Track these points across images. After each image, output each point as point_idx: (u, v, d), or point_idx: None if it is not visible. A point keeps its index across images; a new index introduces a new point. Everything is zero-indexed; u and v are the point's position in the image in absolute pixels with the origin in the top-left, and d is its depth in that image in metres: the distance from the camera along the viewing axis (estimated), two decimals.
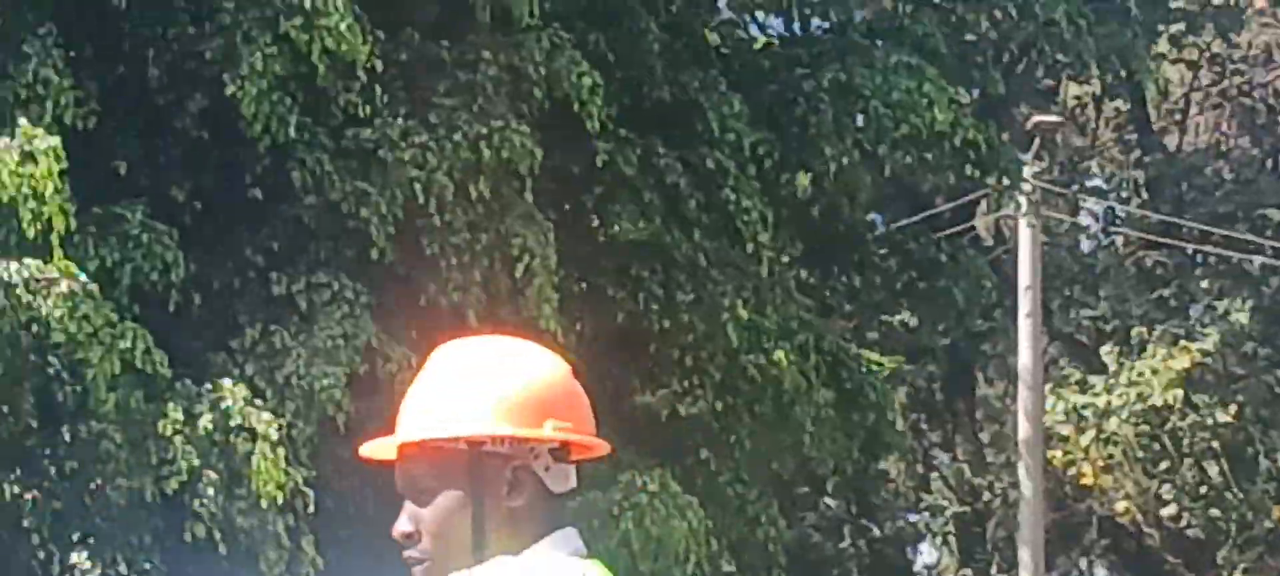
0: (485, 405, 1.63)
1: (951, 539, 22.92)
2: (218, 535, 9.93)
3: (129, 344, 9.63)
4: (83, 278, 9.73)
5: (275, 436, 9.78)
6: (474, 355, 1.72)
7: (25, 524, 9.69)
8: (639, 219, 11.86)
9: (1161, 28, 19.70)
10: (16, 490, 9.80)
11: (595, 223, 12.11)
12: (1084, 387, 19.65)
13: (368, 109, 10.69)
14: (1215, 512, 20.07)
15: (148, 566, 10.02)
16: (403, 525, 1.73)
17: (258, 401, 9.98)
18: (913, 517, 23.54)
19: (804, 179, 13.64)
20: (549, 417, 1.63)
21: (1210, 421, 19.24)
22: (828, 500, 19.79)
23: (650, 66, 11.93)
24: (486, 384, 1.64)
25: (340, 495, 10.95)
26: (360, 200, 10.64)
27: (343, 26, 10.16)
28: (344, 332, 10.42)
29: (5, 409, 9.86)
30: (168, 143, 11.09)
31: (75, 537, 9.90)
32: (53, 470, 9.93)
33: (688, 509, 11.04)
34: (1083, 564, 23.79)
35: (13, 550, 9.83)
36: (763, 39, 15.20)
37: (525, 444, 1.62)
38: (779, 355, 12.33)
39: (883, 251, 15.16)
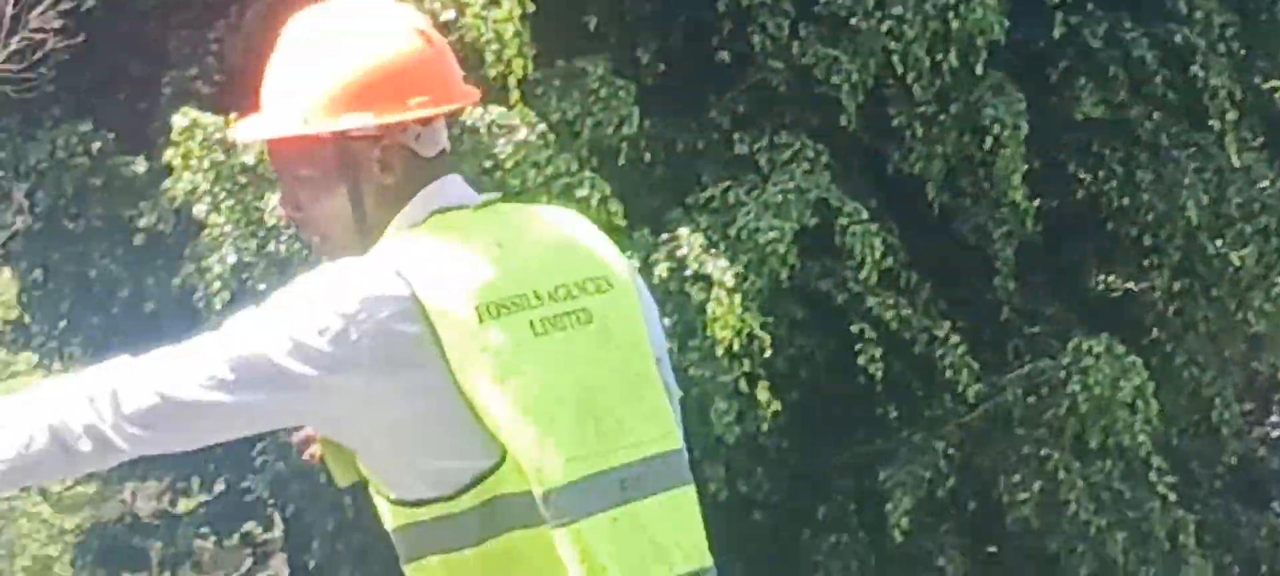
0: (346, 93, 1.57)
1: None
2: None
3: (586, 193, 9.92)
4: (542, 126, 10.13)
5: (731, 282, 10.11)
6: (329, 29, 1.62)
7: None
8: (1102, 95, 11.76)
9: None
10: None
11: (1057, 99, 12.07)
12: None
13: None
14: None
15: None
16: (282, 207, 1.71)
17: (711, 250, 10.31)
18: None
19: None
20: (410, 94, 1.58)
21: None
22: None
23: None
24: (345, 67, 1.58)
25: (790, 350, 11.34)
26: (831, 67, 11.04)
27: None
28: (797, 187, 10.75)
29: None
30: (636, 3, 11.63)
31: None
32: None
33: (1132, 369, 11.02)
34: None
35: None
36: None
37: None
38: (1238, 239, 12.04)
39: None
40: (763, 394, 10.59)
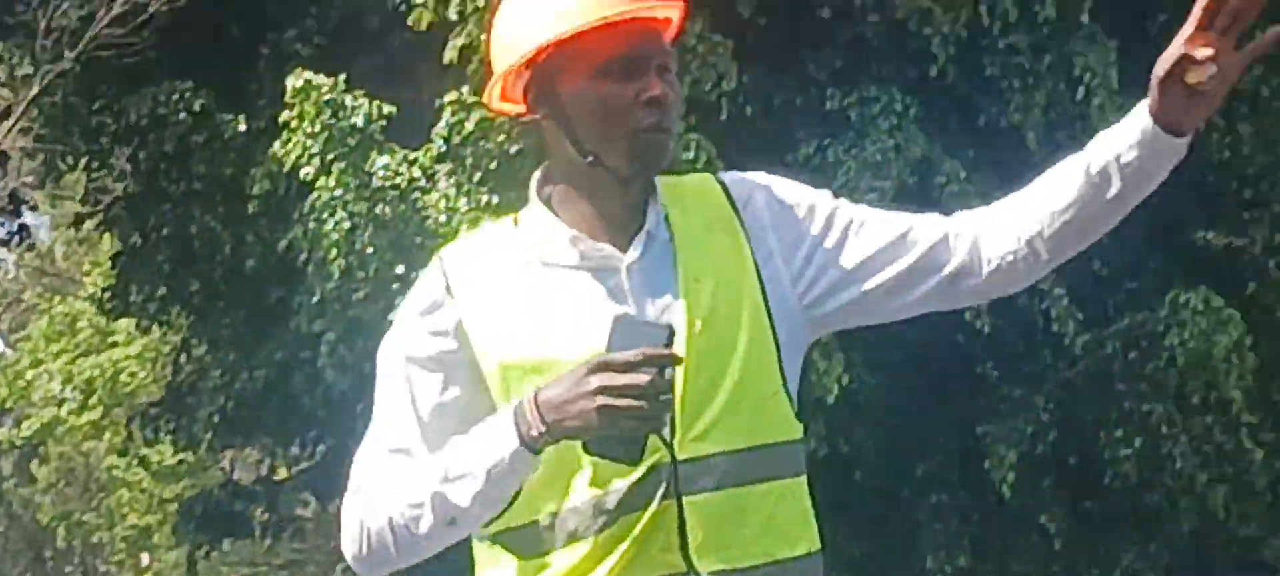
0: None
1: None
2: None
3: (691, 155, 9.87)
4: None
5: None
6: None
7: None
8: None
9: None
10: None
11: (1155, 50, 11.94)
12: None
13: None
14: None
15: None
16: (669, 91, 1.99)
17: None
18: None
19: None
20: None
21: None
22: None
23: None
24: None
25: None
26: (924, 19, 10.97)
27: None
28: (895, 145, 10.74)
29: None
30: None
31: None
32: None
33: (1230, 322, 10.92)
34: None
35: None
36: None
37: None
38: None
39: None
40: (861, 352, 10.60)
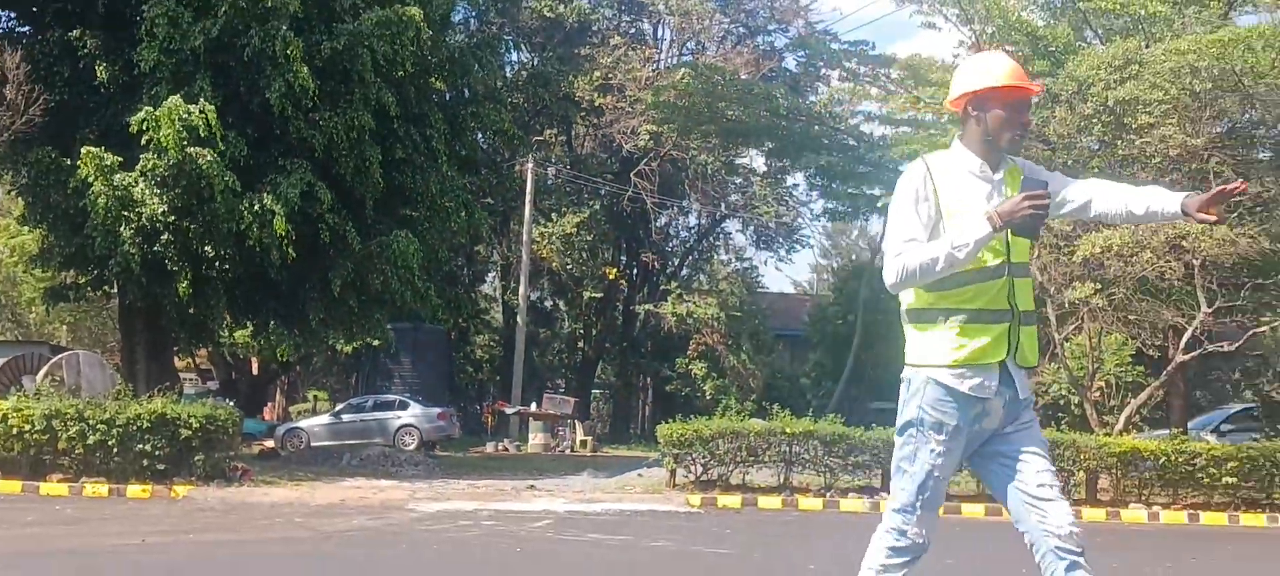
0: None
1: None
2: None
3: None
4: None
5: None
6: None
7: None
8: None
9: None
10: None
11: None
12: None
13: None
14: None
15: None
16: (1028, 124, 4.96)
17: None
18: None
19: None
20: None
21: None
22: None
23: None
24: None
25: None
26: None
27: None
28: None
29: None
30: None
31: None
32: None
33: None
34: None
35: None
36: None
37: None
38: None
39: None
40: None
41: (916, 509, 4.83)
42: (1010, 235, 4.74)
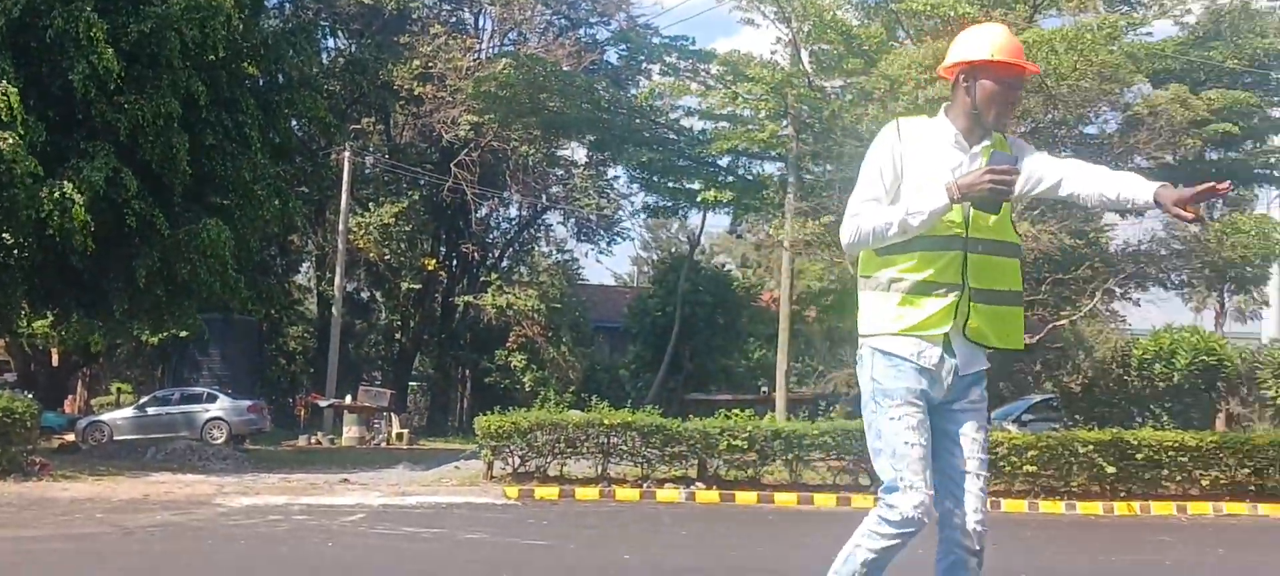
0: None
1: None
2: None
3: None
4: None
5: None
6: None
7: None
8: None
9: None
10: None
11: None
12: None
13: None
14: None
15: None
16: (1019, 102, 5.10)
17: None
18: None
19: None
20: None
21: None
22: None
23: None
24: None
25: None
26: None
27: None
28: None
29: None
30: None
31: None
32: None
33: None
34: None
35: None
36: None
37: None
38: None
39: None
40: None
41: (899, 484, 4.60)
42: (972, 211, 4.60)
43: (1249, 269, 24.57)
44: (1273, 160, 25.55)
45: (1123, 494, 18.56)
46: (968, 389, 4.73)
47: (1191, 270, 23.28)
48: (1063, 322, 22.40)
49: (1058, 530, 15.44)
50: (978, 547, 4.67)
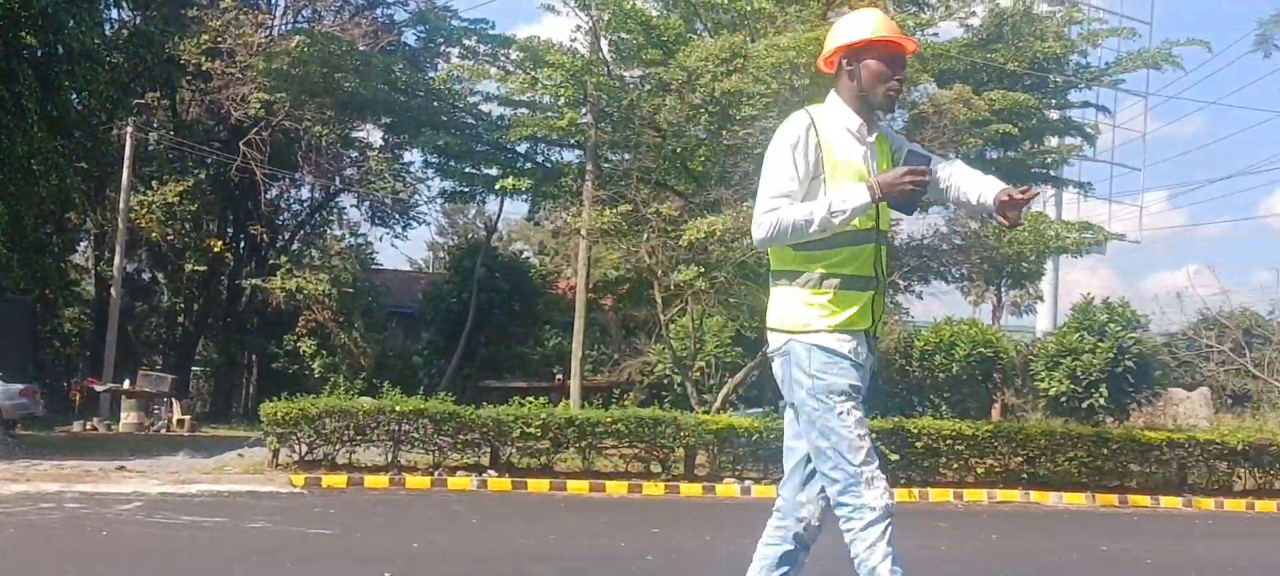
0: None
1: None
2: None
3: None
4: None
5: None
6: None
7: None
8: None
9: None
10: None
11: None
12: None
13: None
14: None
15: None
16: (903, 80, 4.88)
17: None
18: None
19: None
20: None
21: None
22: None
23: None
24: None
25: None
26: None
27: None
28: None
29: None
30: None
31: None
32: None
33: None
34: None
35: None
36: None
37: None
38: None
39: None
40: None
41: (860, 478, 4.55)
42: (882, 204, 4.64)
43: (1024, 265, 25.59)
44: (1048, 160, 26.67)
45: (902, 481, 19.15)
46: (869, 381, 4.82)
47: (971, 265, 24.13)
48: None
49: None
50: (808, 543, 4.82)
